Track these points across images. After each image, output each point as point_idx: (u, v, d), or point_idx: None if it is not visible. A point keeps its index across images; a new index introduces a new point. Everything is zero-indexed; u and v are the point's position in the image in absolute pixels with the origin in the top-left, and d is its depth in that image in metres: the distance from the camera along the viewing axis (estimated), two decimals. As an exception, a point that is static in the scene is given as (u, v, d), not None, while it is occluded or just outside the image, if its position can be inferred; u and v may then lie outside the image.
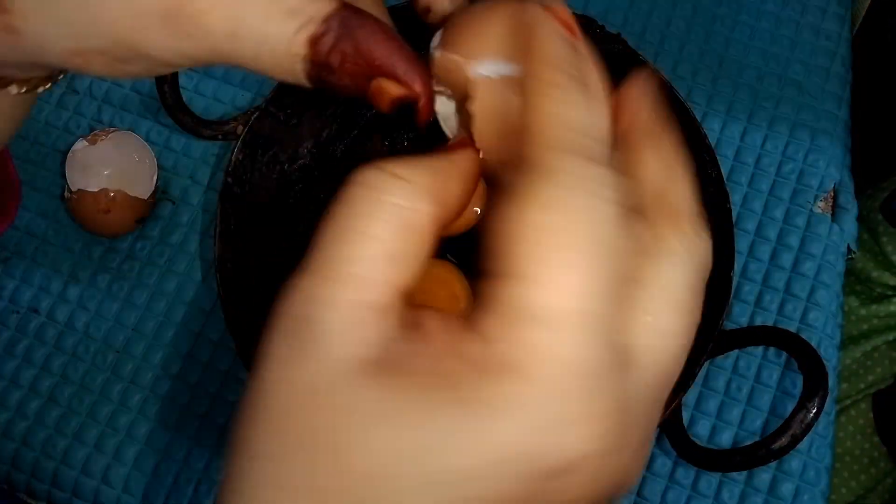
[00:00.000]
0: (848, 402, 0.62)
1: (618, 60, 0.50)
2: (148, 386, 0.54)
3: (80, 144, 0.54)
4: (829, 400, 0.50)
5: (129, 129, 0.57)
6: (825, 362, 0.43)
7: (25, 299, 0.56)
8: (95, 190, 0.53)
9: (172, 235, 0.57)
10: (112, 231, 0.55)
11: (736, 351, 0.53)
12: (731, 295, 0.47)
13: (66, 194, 0.55)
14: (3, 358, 0.55)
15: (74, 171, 0.53)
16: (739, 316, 0.55)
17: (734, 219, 0.53)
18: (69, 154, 0.54)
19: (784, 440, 0.40)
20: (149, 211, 0.56)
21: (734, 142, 0.58)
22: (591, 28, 0.50)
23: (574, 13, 0.52)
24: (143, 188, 0.54)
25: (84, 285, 0.56)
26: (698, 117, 0.50)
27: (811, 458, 0.52)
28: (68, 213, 0.56)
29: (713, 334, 0.46)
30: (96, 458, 0.53)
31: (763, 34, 0.61)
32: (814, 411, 0.39)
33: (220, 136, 0.49)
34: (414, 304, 0.22)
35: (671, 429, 0.45)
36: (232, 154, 0.49)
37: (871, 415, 0.62)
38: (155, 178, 0.55)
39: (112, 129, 0.56)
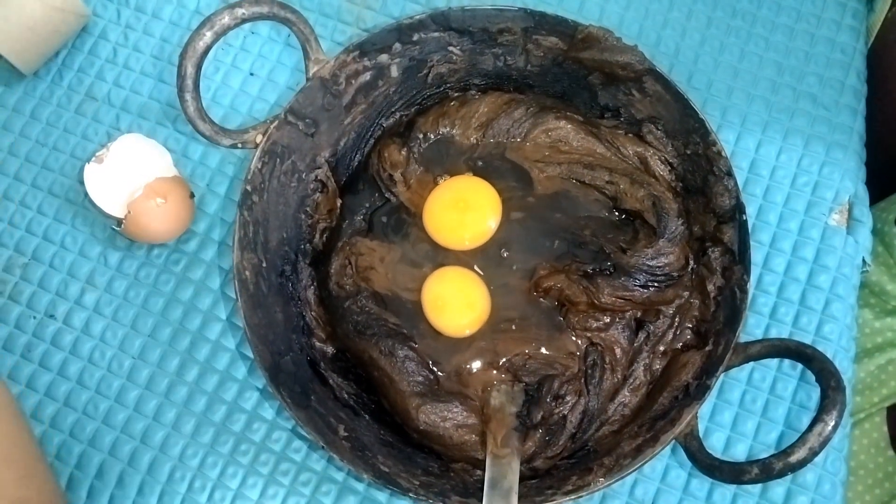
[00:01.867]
0: (862, 415, 0.62)
1: (635, 72, 0.51)
2: (163, 392, 0.54)
3: (93, 167, 0.54)
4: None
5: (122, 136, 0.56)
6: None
7: (42, 305, 0.56)
8: (142, 191, 0.53)
9: (189, 243, 0.57)
10: (179, 221, 0.55)
11: (751, 363, 0.53)
12: (747, 307, 0.47)
13: (118, 225, 0.53)
14: (20, 363, 0.55)
15: (110, 191, 0.53)
16: (754, 328, 0.55)
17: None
18: (92, 179, 0.53)
19: (802, 453, 0.39)
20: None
21: (749, 153, 0.59)
22: (608, 38, 0.51)
23: (590, 24, 0.52)
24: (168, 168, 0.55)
25: (101, 291, 0.56)
26: (713, 128, 0.50)
27: (826, 472, 0.52)
28: (125, 236, 0.55)
29: (729, 347, 0.46)
30: (111, 464, 0.53)
31: (777, 46, 0.61)
32: (832, 424, 0.39)
33: (239, 145, 0.50)
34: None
35: (688, 441, 0.45)
36: (251, 163, 0.50)
37: (885, 428, 0.62)
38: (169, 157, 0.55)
39: (102, 146, 0.55)
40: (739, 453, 0.52)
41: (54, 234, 0.58)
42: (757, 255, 0.56)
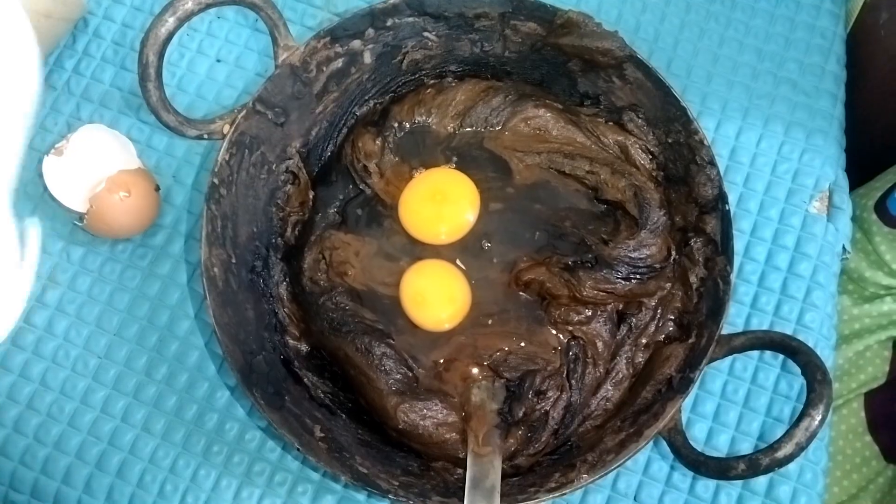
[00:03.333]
0: (840, 401, 0.62)
1: (615, 59, 0.49)
2: (131, 392, 0.52)
3: (52, 160, 0.51)
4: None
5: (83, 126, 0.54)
6: (820, 363, 0.42)
7: (2, 304, 0.54)
8: (104, 185, 0.51)
9: (155, 237, 0.55)
10: (144, 216, 0.53)
11: (732, 353, 0.53)
12: (730, 298, 0.46)
13: (80, 220, 0.51)
14: (-20, 365, 0.53)
15: (70, 184, 0.51)
16: (735, 317, 0.54)
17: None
18: (51, 173, 0.51)
19: (789, 448, 0.39)
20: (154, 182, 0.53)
21: (729, 141, 0.58)
22: (588, 23, 0.49)
23: (570, 9, 0.51)
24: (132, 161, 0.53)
25: (63, 289, 0.54)
26: (694, 116, 0.49)
27: (808, 461, 0.51)
28: (88, 231, 0.53)
29: (713, 339, 0.45)
30: (78, 468, 0.51)
31: (757, 32, 0.60)
32: (819, 419, 0.39)
33: (205, 136, 0.48)
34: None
35: (672, 435, 0.44)
36: (218, 154, 0.48)
37: (862, 414, 0.62)
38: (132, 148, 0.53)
39: (62, 138, 0.53)
40: (722, 444, 0.52)
41: (13, 229, 0.55)
42: (738, 244, 0.55)
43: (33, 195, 0.56)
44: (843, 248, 0.57)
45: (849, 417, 0.62)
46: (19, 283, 0.38)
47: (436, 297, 0.50)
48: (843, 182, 0.58)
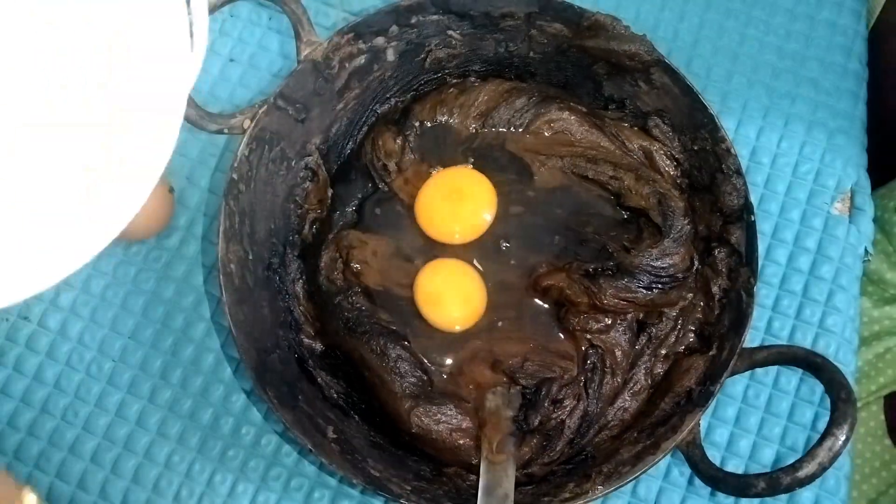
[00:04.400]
0: (859, 404, 0.61)
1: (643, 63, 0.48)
2: (146, 396, 0.52)
3: None
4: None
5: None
6: (842, 367, 0.41)
7: (15, 307, 0.53)
8: None
9: (170, 239, 0.54)
10: (158, 217, 0.52)
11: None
12: (753, 311, 0.46)
13: None
14: (-7, 368, 0.52)
15: None
16: (756, 320, 0.53)
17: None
18: None
19: (811, 468, 0.38)
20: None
21: (750, 141, 0.57)
22: (615, 26, 0.48)
23: (597, 11, 0.49)
24: None
25: (77, 291, 0.53)
26: (720, 121, 0.48)
27: (832, 467, 0.51)
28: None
29: (734, 352, 0.44)
30: (93, 472, 0.50)
31: (777, 30, 0.59)
32: (842, 439, 0.38)
33: (225, 130, 0.47)
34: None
35: (690, 449, 0.43)
36: (238, 149, 0.47)
37: (882, 417, 0.61)
38: None
39: None
40: (743, 449, 0.51)
41: (25, 229, 0.55)
42: (759, 246, 0.54)
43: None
44: (865, 249, 0.56)
45: (868, 420, 0.62)
46: (190, 69, 0.33)
47: (451, 296, 0.50)
48: (865, 183, 0.57)
